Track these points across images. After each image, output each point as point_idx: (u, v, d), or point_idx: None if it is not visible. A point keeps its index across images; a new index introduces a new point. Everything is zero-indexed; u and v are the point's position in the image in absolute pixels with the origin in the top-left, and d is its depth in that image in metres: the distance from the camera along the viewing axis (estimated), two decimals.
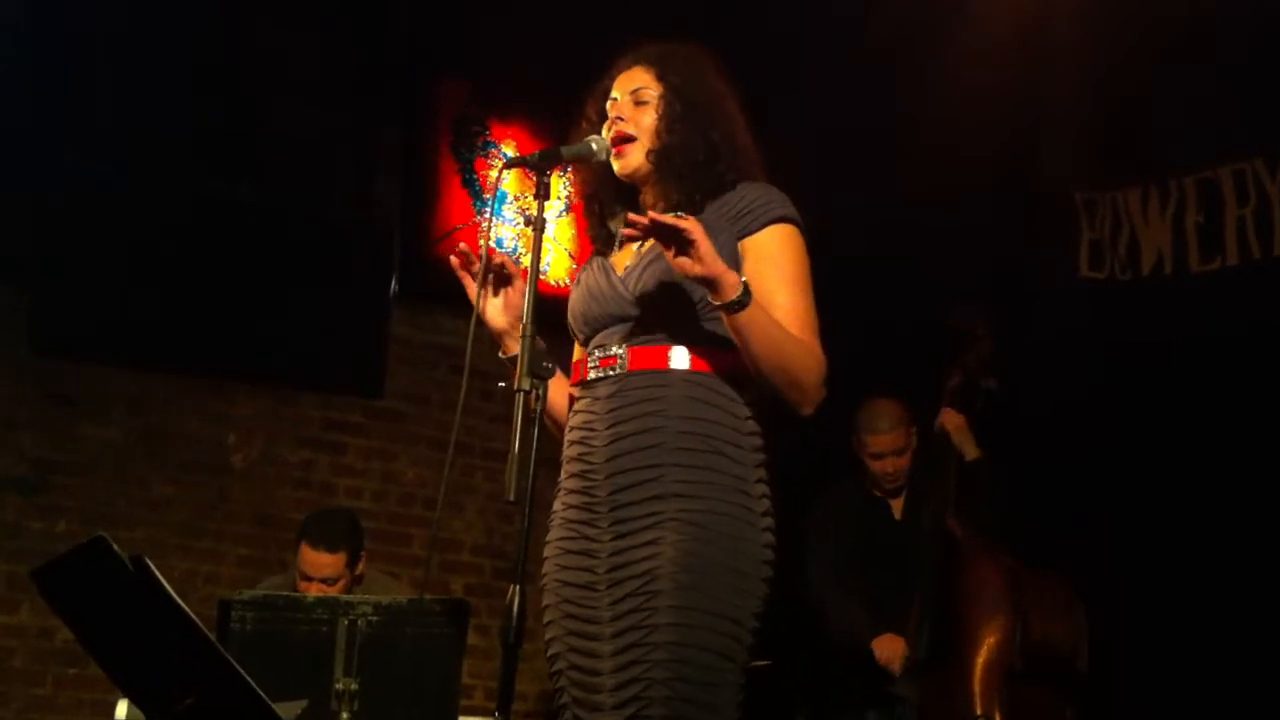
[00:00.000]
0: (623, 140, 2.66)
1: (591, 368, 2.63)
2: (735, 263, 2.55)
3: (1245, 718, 4.35)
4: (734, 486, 2.50)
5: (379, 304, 5.73)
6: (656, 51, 2.73)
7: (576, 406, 2.66)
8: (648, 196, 2.71)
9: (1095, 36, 4.99)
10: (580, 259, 6.13)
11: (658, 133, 2.64)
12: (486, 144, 6.01)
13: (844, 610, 4.30)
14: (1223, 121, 4.78)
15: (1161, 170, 4.95)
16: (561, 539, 2.62)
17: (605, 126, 2.69)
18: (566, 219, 6.13)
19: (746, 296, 2.41)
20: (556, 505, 2.67)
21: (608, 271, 2.69)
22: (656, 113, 2.65)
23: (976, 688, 3.94)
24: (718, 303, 2.42)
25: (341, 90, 5.70)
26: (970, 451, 4.27)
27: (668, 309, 2.56)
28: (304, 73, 5.59)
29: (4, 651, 4.89)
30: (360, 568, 4.35)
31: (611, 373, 2.58)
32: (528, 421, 2.35)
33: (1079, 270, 5.17)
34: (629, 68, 2.72)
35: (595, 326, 2.67)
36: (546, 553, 2.66)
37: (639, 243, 2.66)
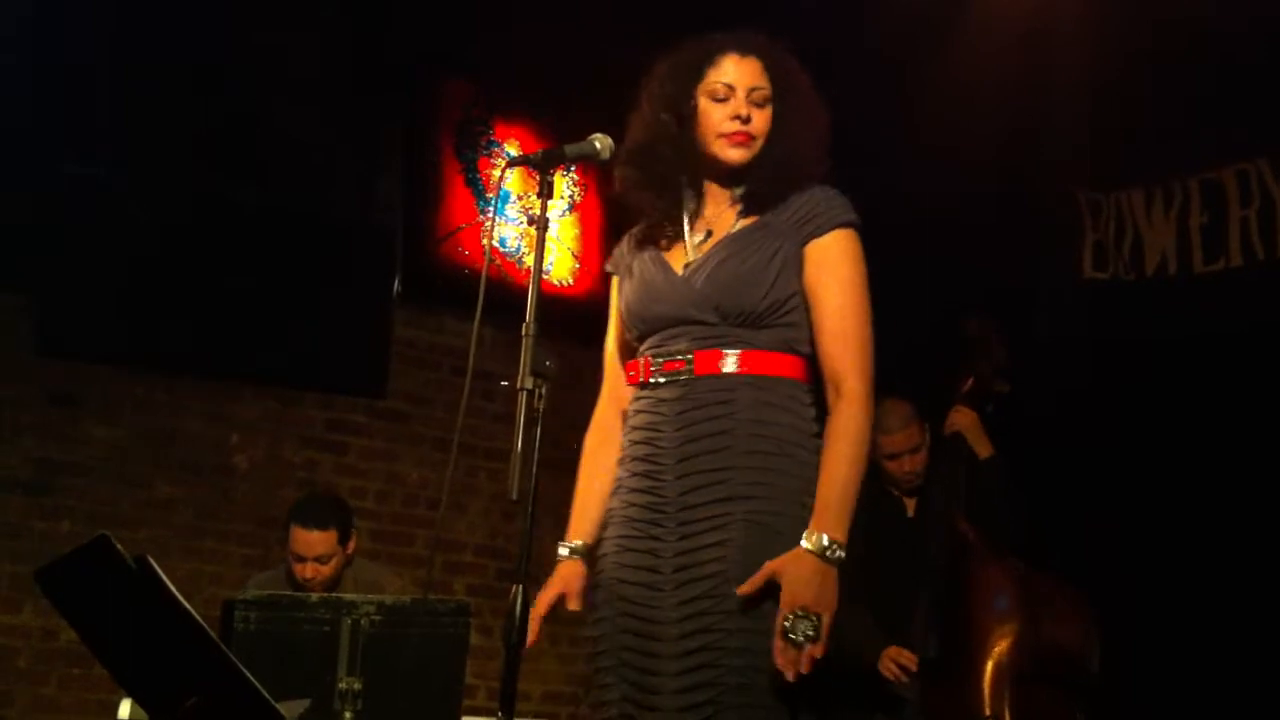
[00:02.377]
0: (746, 135, 2.61)
1: (654, 370, 2.60)
2: (796, 268, 2.55)
3: (1249, 716, 4.35)
4: (801, 489, 2.49)
5: (382, 304, 5.74)
6: (768, 47, 2.68)
7: (637, 406, 2.63)
8: (716, 190, 2.67)
9: (1099, 38, 4.99)
10: (584, 258, 6.13)
11: (773, 136, 2.62)
12: (490, 143, 6.01)
13: (851, 618, 4.28)
14: (1226, 122, 4.78)
15: (1165, 171, 4.96)
16: (622, 537, 2.59)
17: (724, 116, 2.61)
18: (570, 218, 6.13)
19: (834, 555, 2.38)
20: (615, 504, 2.64)
21: (667, 268, 2.64)
22: (773, 115, 2.63)
23: (986, 689, 3.93)
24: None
25: (343, 90, 5.70)
26: (983, 450, 4.27)
27: (737, 312, 2.54)
28: (305, 73, 5.59)
29: (8, 652, 4.89)
30: (351, 547, 4.37)
31: (679, 376, 2.56)
32: (530, 421, 2.35)
33: (1083, 271, 5.17)
34: (740, 57, 2.65)
35: (655, 326, 2.63)
36: (604, 549, 2.63)
37: (700, 238, 2.65)
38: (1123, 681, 4.36)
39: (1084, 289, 5.13)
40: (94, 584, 2.25)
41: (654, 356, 2.61)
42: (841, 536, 2.38)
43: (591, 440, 2.77)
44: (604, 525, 2.66)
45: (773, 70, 2.64)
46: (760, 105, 2.62)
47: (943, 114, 5.14)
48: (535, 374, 2.38)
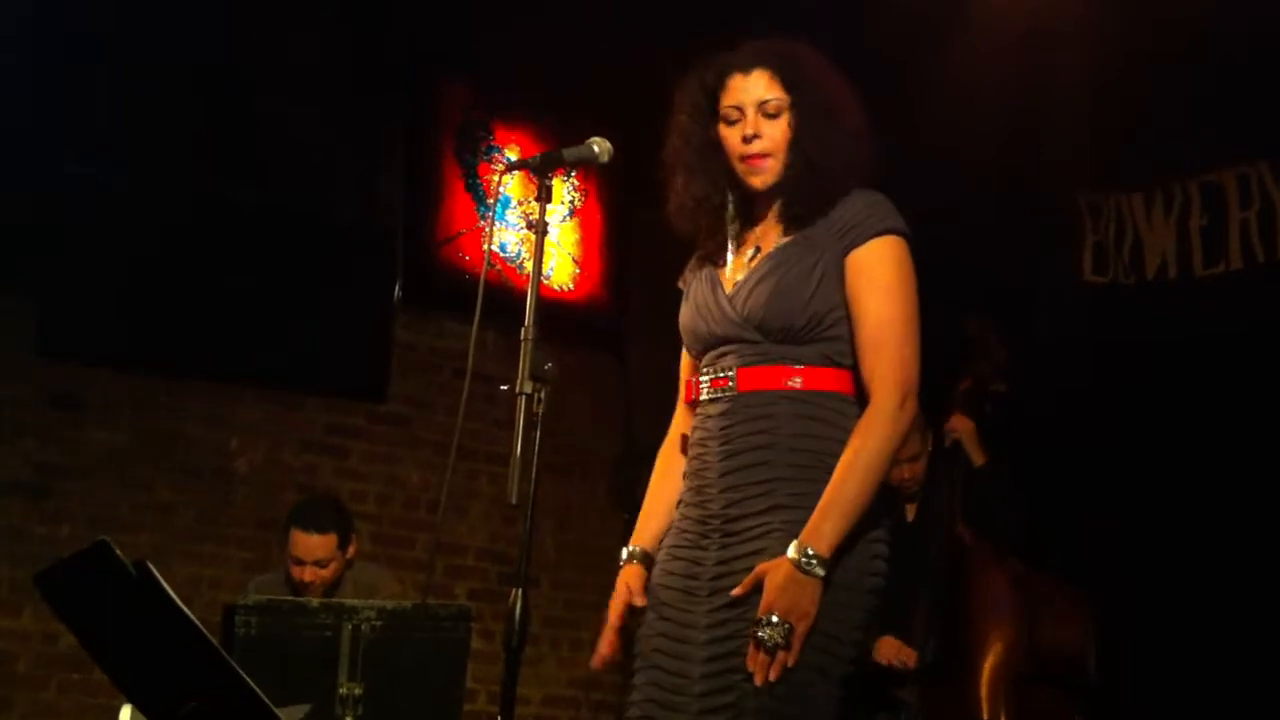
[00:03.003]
0: (759, 157, 2.56)
1: (704, 387, 2.60)
2: (837, 280, 2.51)
3: (1249, 717, 4.35)
4: None
5: (382, 308, 5.73)
6: (777, 53, 2.61)
7: (694, 423, 2.64)
8: (762, 206, 2.64)
9: (1099, 40, 4.99)
10: (583, 263, 6.13)
11: (794, 146, 2.56)
12: (490, 148, 6.01)
13: None
14: (1226, 124, 4.78)
15: (1165, 173, 4.95)
16: (673, 546, 2.60)
17: (736, 140, 2.57)
18: (570, 223, 6.13)
19: (810, 566, 2.36)
20: (675, 517, 2.64)
21: (715, 287, 2.63)
22: (790, 125, 2.56)
23: (984, 692, 3.94)
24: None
25: (344, 93, 5.70)
26: (978, 457, 4.28)
27: (777, 329, 2.52)
28: (306, 75, 5.59)
29: (8, 656, 4.89)
30: (352, 550, 4.37)
31: (723, 394, 2.56)
32: (530, 425, 2.35)
33: (1082, 274, 5.16)
34: (748, 70, 2.59)
35: (706, 345, 2.62)
36: (659, 558, 2.64)
37: (750, 253, 2.62)
38: (1123, 682, 4.36)
39: (1084, 292, 5.13)
40: (93, 589, 2.25)
41: (703, 375, 2.61)
42: (825, 550, 2.36)
43: (662, 452, 2.78)
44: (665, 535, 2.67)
45: (784, 76, 2.57)
46: (773, 116, 2.56)
47: (943, 114, 5.13)
48: (534, 378, 2.38)
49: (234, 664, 2.29)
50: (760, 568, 2.39)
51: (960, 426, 4.30)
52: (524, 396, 2.37)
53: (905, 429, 2.48)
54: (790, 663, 2.33)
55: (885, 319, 2.50)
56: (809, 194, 2.55)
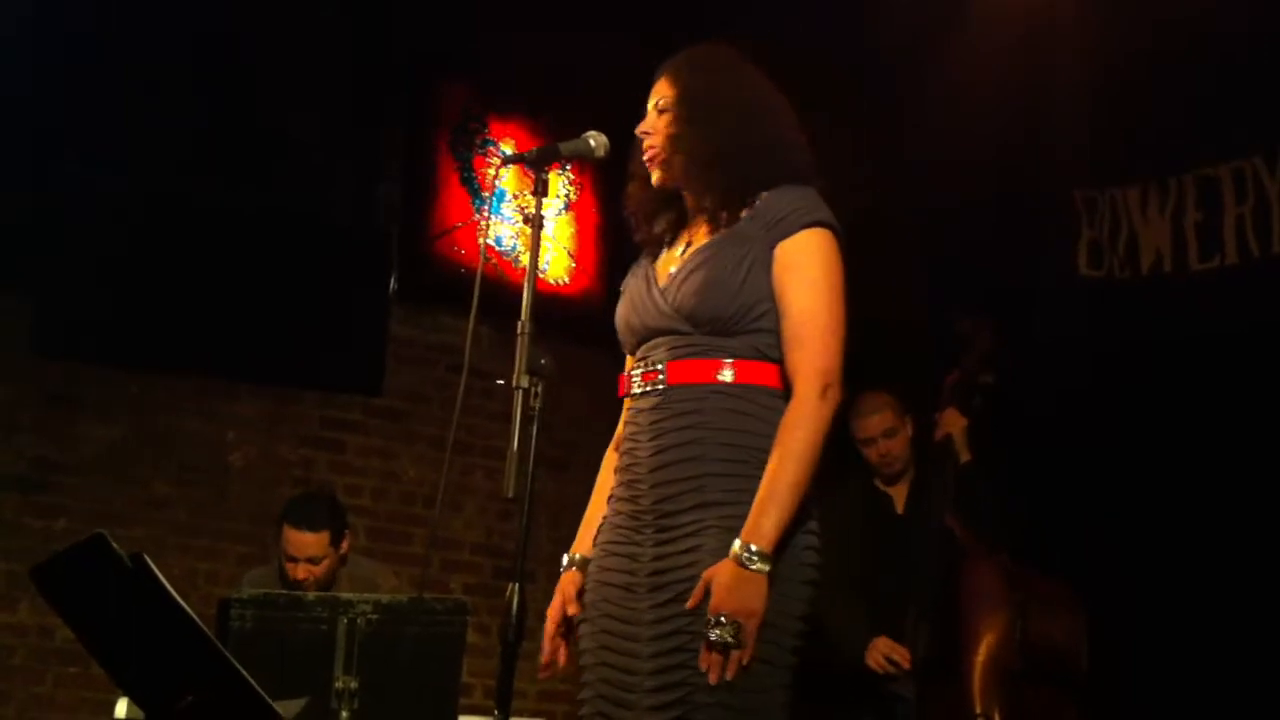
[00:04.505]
0: (653, 151, 2.64)
1: (635, 381, 2.62)
2: (766, 272, 2.54)
3: (1246, 717, 4.35)
4: None
5: (378, 302, 5.74)
6: (679, 57, 2.69)
7: (625, 418, 2.67)
8: (689, 202, 2.69)
9: (1096, 35, 4.99)
10: (579, 257, 6.13)
11: (670, 139, 2.62)
12: (485, 142, 6.01)
13: (846, 618, 4.30)
14: (1222, 119, 4.78)
15: (1161, 168, 4.95)
16: (607, 542, 2.62)
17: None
18: (565, 217, 6.13)
19: (753, 562, 2.38)
20: (608, 512, 2.66)
21: (650, 281, 2.66)
22: (676, 118, 2.62)
23: (976, 688, 3.94)
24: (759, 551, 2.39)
25: (341, 90, 5.69)
26: (963, 454, 4.30)
27: (707, 319, 2.54)
28: (305, 73, 5.58)
29: (4, 650, 4.89)
30: (345, 547, 4.37)
31: (654, 387, 2.58)
32: (527, 419, 2.35)
33: (1078, 269, 5.17)
34: (659, 74, 2.69)
35: (640, 338, 2.65)
36: (593, 555, 2.65)
37: (681, 247, 2.66)
38: (1122, 681, 4.36)
39: (1079, 287, 5.13)
40: (90, 582, 2.25)
41: (635, 368, 2.64)
42: (766, 546, 2.37)
43: (607, 456, 2.79)
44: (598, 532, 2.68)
45: (679, 78, 2.65)
46: (661, 113, 2.64)
47: (942, 114, 5.14)
48: (531, 372, 2.39)
49: (230, 658, 2.29)
50: (706, 574, 2.40)
51: (951, 422, 4.30)
52: (520, 391, 2.38)
53: (830, 417, 2.48)
54: (745, 660, 2.35)
55: (808, 311, 2.51)
56: (710, 187, 2.60)
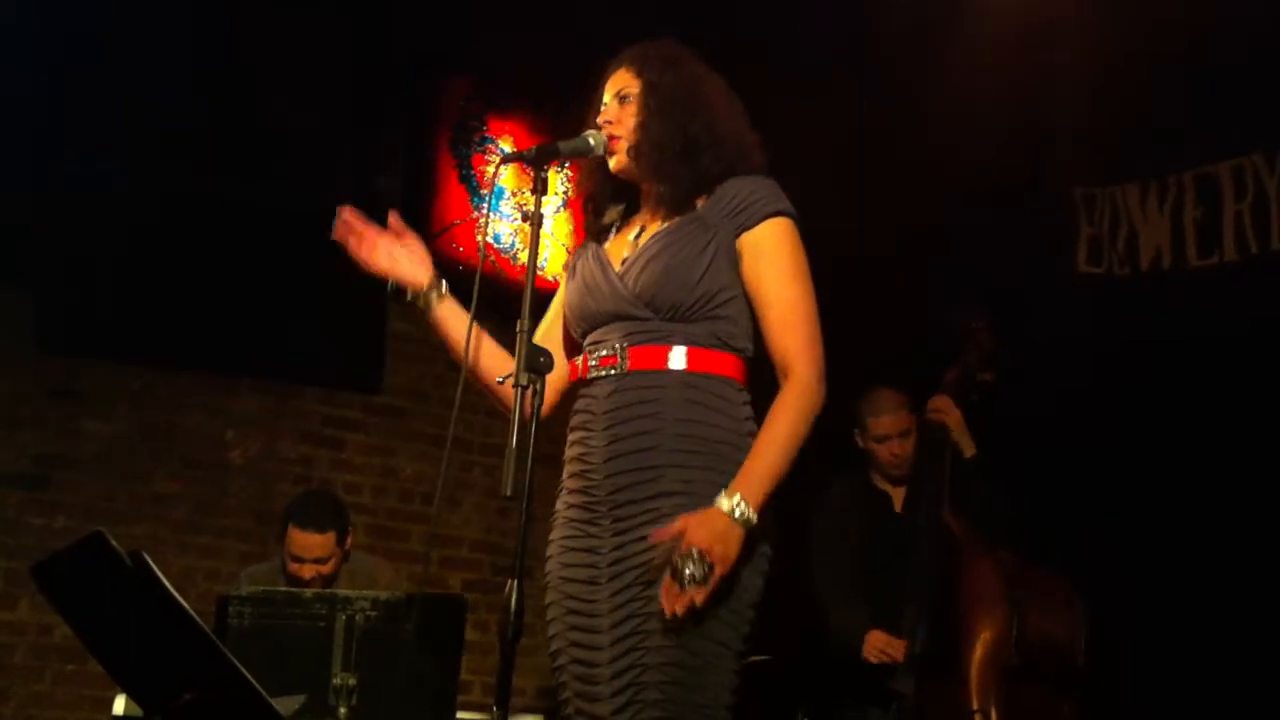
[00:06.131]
0: (612, 139, 2.68)
1: (591, 366, 2.63)
2: (729, 260, 2.57)
3: (1244, 716, 4.35)
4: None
5: (377, 300, 5.73)
6: (637, 50, 2.75)
7: (576, 405, 2.67)
8: (646, 191, 2.73)
9: (1096, 33, 4.99)
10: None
11: (637, 129, 2.66)
12: (484, 139, 6.02)
13: (845, 614, 4.30)
14: (1221, 117, 4.79)
15: (1160, 166, 4.96)
16: (564, 537, 2.64)
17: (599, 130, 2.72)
18: (564, 214, 6.13)
19: (742, 516, 2.41)
20: (559, 504, 2.69)
21: (604, 265, 2.69)
22: (637, 110, 2.67)
23: (973, 684, 3.94)
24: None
25: (341, 87, 5.69)
26: (968, 449, 4.28)
27: (668, 305, 2.56)
28: (304, 71, 5.58)
29: (4, 648, 4.89)
30: (348, 543, 4.38)
31: (611, 372, 2.59)
32: (525, 417, 2.36)
33: (1078, 266, 5.17)
34: (615, 71, 2.75)
35: (593, 323, 2.67)
36: (549, 551, 2.68)
37: (634, 232, 2.69)
38: (1122, 681, 4.36)
39: (1079, 284, 5.14)
40: (89, 579, 2.25)
41: (591, 352, 2.65)
42: (754, 503, 2.41)
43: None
44: (550, 526, 2.71)
45: (640, 69, 2.70)
46: (623, 103, 2.69)
47: (942, 114, 5.14)
48: (530, 370, 2.39)
49: (229, 655, 2.29)
50: (684, 518, 2.41)
51: (946, 412, 4.28)
52: (520, 388, 2.38)
53: (822, 402, 2.52)
54: (699, 602, 2.36)
55: (792, 300, 2.56)
56: (673, 176, 2.63)
